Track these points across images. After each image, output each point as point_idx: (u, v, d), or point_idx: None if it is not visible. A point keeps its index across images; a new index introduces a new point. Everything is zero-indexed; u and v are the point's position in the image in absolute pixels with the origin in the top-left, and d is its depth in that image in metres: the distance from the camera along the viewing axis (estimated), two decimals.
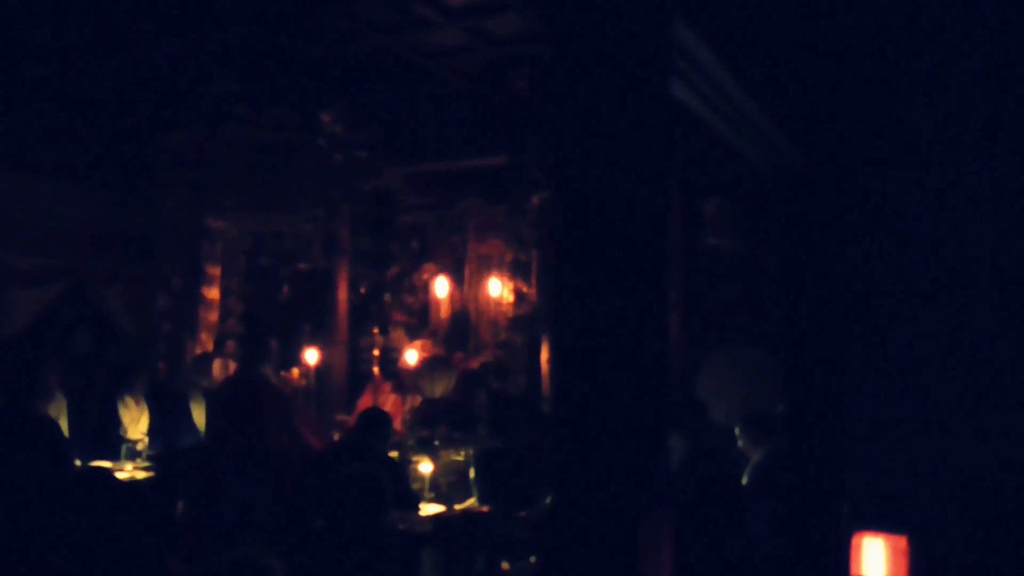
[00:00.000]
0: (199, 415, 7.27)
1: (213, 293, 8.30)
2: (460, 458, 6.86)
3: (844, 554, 4.01)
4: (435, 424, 7.19)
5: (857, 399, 4.34)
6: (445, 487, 6.58)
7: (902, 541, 3.78)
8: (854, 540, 3.86)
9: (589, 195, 2.75)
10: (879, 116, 4.38)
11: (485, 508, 5.47)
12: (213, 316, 8.27)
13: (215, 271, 8.27)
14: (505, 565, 5.23)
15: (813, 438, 4.80)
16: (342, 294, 8.34)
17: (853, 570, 3.85)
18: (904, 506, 4.10)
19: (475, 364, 8.08)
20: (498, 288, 8.31)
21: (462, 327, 8.92)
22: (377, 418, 5.68)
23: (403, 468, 6.19)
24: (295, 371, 7.58)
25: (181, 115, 6.40)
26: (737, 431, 5.87)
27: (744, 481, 5.60)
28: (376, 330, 8.03)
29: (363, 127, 6.68)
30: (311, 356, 7.45)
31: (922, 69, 4.30)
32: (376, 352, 7.76)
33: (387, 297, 8.47)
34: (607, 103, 2.73)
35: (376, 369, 7.70)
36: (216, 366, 7.55)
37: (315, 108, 6.54)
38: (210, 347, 8.11)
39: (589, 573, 2.73)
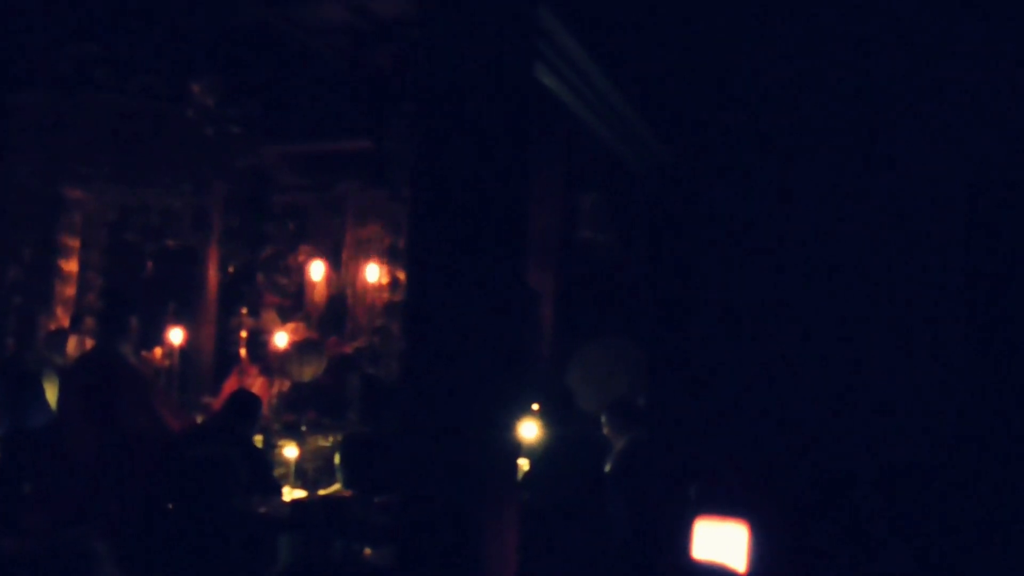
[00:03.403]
0: (53, 394, 6.89)
1: (71, 266, 7.86)
2: (327, 444, 6.76)
3: (690, 537, 4.17)
4: (303, 409, 7.07)
5: (709, 391, 4.51)
6: (311, 472, 6.48)
7: (741, 526, 3.94)
8: (696, 524, 4.01)
9: (450, 172, 2.75)
10: (740, 119, 4.56)
11: (347, 493, 5.41)
12: (70, 290, 7.84)
13: (73, 243, 7.83)
14: (367, 551, 5.19)
15: (669, 427, 4.98)
16: (212, 273, 8.07)
17: (694, 553, 4.00)
18: (747, 494, 4.29)
19: (348, 349, 7.98)
20: (376, 273, 8.23)
21: (338, 311, 8.78)
22: (246, 401, 5.55)
23: (264, 452, 6.06)
24: (158, 351, 7.30)
25: (35, 76, 5.99)
26: (603, 419, 6.01)
27: (607, 468, 5.74)
28: (244, 311, 7.81)
29: (237, 101, 6.44)
30: (175, 336, 7.18)
31: (782, 76, 4.49)
32: (244, 334, 7.56)
33: (260, 278, 8.25)
34: (470, 83, 2.73)
35: (243, 351, 7.49)
36: (71, 343, 7.17)
37: (185, 78, 6.26)
38: (66, 323, 7.69)
39: (436, 556, 2.74)
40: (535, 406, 6.21)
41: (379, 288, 8.20)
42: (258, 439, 6.14)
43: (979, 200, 4.56)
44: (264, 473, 5.41)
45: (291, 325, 8.14)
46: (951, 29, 4.58)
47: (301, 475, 6.13)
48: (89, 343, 7.16)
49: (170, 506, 3.94)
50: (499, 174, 2.76)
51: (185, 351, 7.57)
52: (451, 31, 2.72)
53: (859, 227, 4.60)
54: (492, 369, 2.72)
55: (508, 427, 2.79)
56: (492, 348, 2.73)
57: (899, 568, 3.96)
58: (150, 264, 7.95)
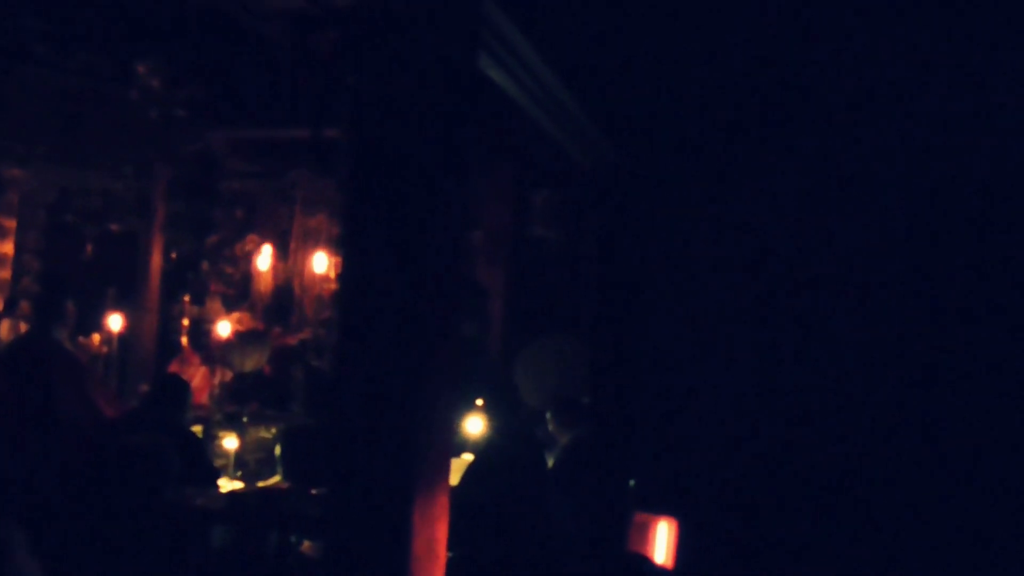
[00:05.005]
0: None
1: (6, 248, 7.62)
2: (269, 435, 6.67)
3: (627, 533, 4.20)
4: (246, 399, 6.95)
5: (649, 390, 4.54)
6: (253, 464, 6.39)
7: (673, 523, 3.99)
8: (635, 520, 4.04)
9: (387, 160, 2.70)
10: (688, 119, 4.59)
11: (285, 485, 5.35)
12: (5, 273, 7.61)
13: (9, 224, 7.61)
14: (306, 544, 5.12)
15: (613, 424, 4.99)
16: (155, 259, 7.90)
17: (631, 547, 4.04)
18: (679, 492, 4.33)
19: (293, 340, 7.87)
20: (324, 263, 8.12)
21: (285, 302, 8.65)
22: (170, 385, 5.43)
23: (201, 442, 5.95)
24: (95, 337, 7.13)
25: None
26: (548, 415, 6.02)
27: (550, 464, 5.75)
28: (187, 298, 7.66)
29: (184, 84, 6.29)
30: (115, 322, 7.03)
31: (729, 76, 4.53)
32: (186, 322, 7.41)
33: (205, 266, 8.09)
34: (410, 70, 2.69)
35: (185, 340, 7.36)
36: (5, 327, 6.98)
37: (130, 57, 6.10)
38: None
39: (363, 549, 2.70)
40: (480, 401, 6.20)
41: (326, 279, 8.10)
42: (197, 429, 6.03)
43: (923, 216, 4.65)
44: (200, 463, 5.31)
45: (236, 315, 8.00)
46: (901, 38, 4.66)
47: (242, 466, 6.04)
48: (24, 327, 6.99)
49: (97, 495, 3.84)
50: (438, 162, 2.73)
51: (125, 338, 7.42)
52: (392, 16, 2.68)
53: (805, 228, 4.66)
54: (426, 362, 2.69)
55: (440, 420, 2.76)
56: (427, 341, 2.70)
57: (827, 566, 4.03)
58: (89, 248, 7.75)
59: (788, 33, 4.47)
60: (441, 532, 2.77)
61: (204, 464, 5.40)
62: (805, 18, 4.42)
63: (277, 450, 5.71)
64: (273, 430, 6.72)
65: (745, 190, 4.66)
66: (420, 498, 2.66)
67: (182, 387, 5.48)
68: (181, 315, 7.66)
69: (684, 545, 3.96)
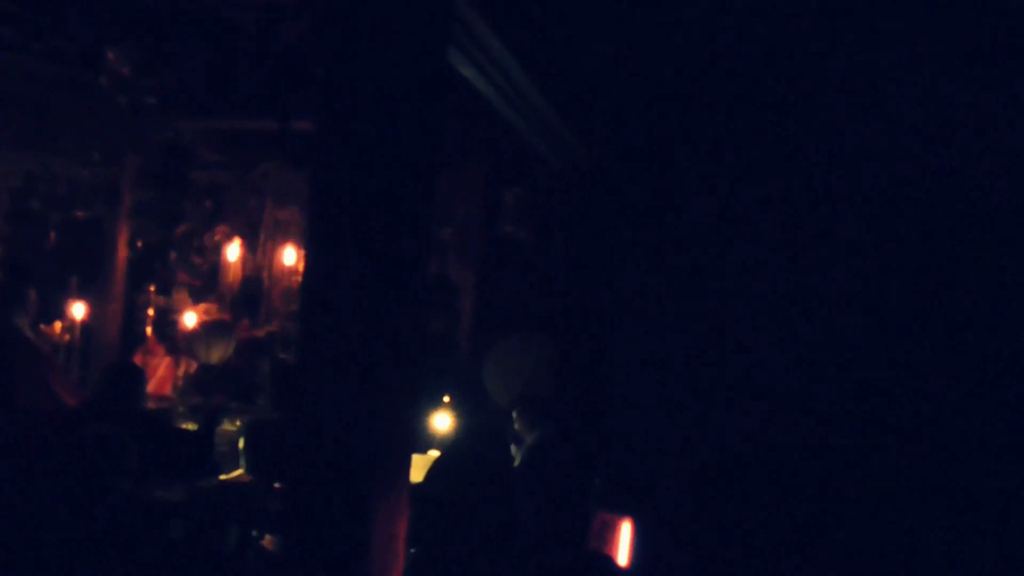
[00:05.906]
0: None
1: None
2: (234, 428, 6.62)
3: (590, 532, 4.22)
4: (211, 391, 6.89)
5: (616, 390, 4.56)
6: (216, 456, 6.34)
7: (628, 522, 4.01)
8: (597, 519, 4.06)
9: (353, 152, 2.68)
10: (657, 119, 4.61)
11: (247, 479, 5.30)
12: None
13: None
14: (267, 539, 5.09)
15: (577, 424, 5.01)
16: (122, 248, 7.79)
17: (594, 546, 4.06)
18: (639, 491, 4.35)
19: (260, 332, 7.82)
20: (294, 256, 8.10)
21: (254, 294, 8.60)
22: (122, 373, 5.35)
23: (175, 431, 5.89)
24: (57, 325, 7.03)
25: None
26: (514, 414, 6.02)
27: (516, 463, 5.75)
28: (152, 288, 7.58)
29: (155, 72, 6.20)
30: (78, 311, 6.94)
31: (699, 79, 4.56)
32: (151, 312, 7.34)
33: (172, 255, 8.01)
34: (381, 64, 2.68)
35: (149, 330, 7.28)
36: None
37: (99, 43, 6.01)
38: None
39: (324, 543, 2.69)
40: (447, 398, 6.19)
41: (295, 272, 8.07)
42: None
43: (880, 214, 4.70)
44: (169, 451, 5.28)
45: (203, 306, 7.94)
46: (883, 35, 4.70)
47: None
48: None
49: (53, 485, 3.78)
50: (407, 157, 2.72)
51: (88, 327, 7.32)
52: (362, 7, 2.66)
53: (776, 230, 4.70)
54: (391, 357, 2.68)
55: (403, 416, 2.76)
56: (392, 336, 2.69)
57: (790, 567, 4.07)
58: (54, 235, 7.63)
59: (764, 33, 4.50)
60: (401, 528, 2.77)
61: (172, 453, 5.35)
62: (783, 19, 4.45)
63: (241, 443, 5.66)
64: (237, 422, 6.67)
65: (716, 191, 4.69)
66: (381, 494, 2.66)
67: (135, 374, 5.39)
68: (146, 305, 7.58)
69: (644, 545, 3.99)
